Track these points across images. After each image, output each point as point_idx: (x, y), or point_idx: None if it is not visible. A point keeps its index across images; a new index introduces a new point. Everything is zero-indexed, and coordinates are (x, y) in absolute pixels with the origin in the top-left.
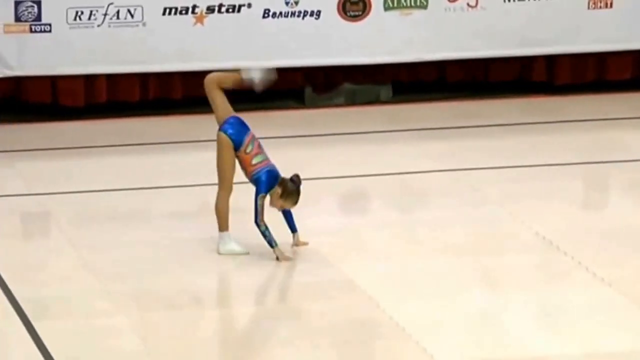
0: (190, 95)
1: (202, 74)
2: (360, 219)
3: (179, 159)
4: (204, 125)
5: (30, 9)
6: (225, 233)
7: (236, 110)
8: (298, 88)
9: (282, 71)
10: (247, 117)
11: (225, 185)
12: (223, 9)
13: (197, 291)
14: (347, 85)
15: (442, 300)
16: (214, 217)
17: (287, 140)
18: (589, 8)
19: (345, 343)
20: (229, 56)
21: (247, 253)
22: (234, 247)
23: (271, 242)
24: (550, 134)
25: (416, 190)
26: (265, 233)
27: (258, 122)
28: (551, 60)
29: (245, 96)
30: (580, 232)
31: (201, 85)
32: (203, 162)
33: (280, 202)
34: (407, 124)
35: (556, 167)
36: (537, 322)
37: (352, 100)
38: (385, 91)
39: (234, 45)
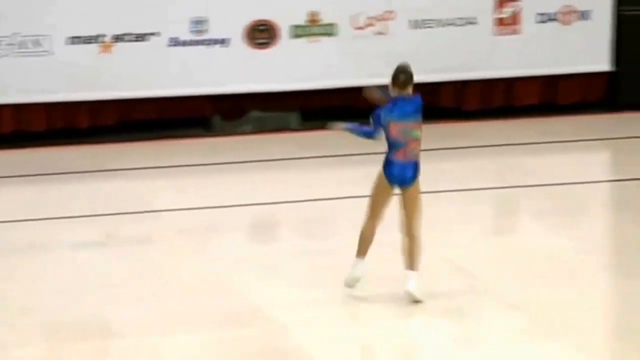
0: (96, 124)
1: (110, 103)
2: (271, 246)
3: (85, 189)
4: (111, 155)
5: None
6: (356, 259)
7: (145, 139)
8: (206, 116)
9: (189, 99)
10: (155, 146)
11: (369, 212)
12: (130, 38)
13: (107, 321)
14: (255, 113)
15: (355, 328)
16: (120, 246)
17: (195, 169)
18: (496, 35)
19: None
20: (136, 85)
21: (354, 283)
22: (353, 271)
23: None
24: (459, 159)
25: (326, 216)
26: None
27: (166, 150)
28: (460, 86)
29: (152, 125)
30: (490, 257)
31: (107, 114)
32: (110, 191)
33: (397, 90)
34: (316, 151)
35: (465, 192)
36: (449, 348)
37: (261, 128)
38: (294, 118)
39: (141, 74)
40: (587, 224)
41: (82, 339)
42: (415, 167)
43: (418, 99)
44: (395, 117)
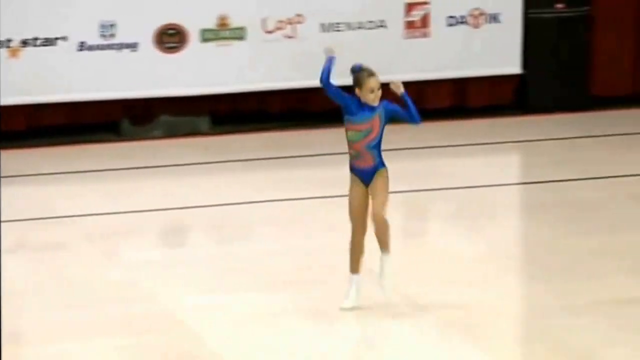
0: (5, 129)
1: (19, 109)
2: (182, 251)
3: None
4: (20, 160)
5: None
6: (350, 276)
7: (54, 144)
8: (115, 120)
9: (99, 104)
10: (65, 151)
11: (350, 222)
12: (38, 42)
13: (18, 329)
14: (165, 117)
15: (267, 333)
16: (30, 253)
17: (104, 174)
18: (406, 38)
19: None
20: (45, 90)
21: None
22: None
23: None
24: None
25: (238, 221)
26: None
27: (75, 155)
28: None
29: (61, 130)
30: (400, 259)
31: (16, 119)
32: (19, 197)
33: (365, 93)
34: (227, 155)
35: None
36: (358, 351)
37: (171, 132)
38: (204, 123)
39: (49, 79)
40: (497, 227)
41: None
42: None
43: None
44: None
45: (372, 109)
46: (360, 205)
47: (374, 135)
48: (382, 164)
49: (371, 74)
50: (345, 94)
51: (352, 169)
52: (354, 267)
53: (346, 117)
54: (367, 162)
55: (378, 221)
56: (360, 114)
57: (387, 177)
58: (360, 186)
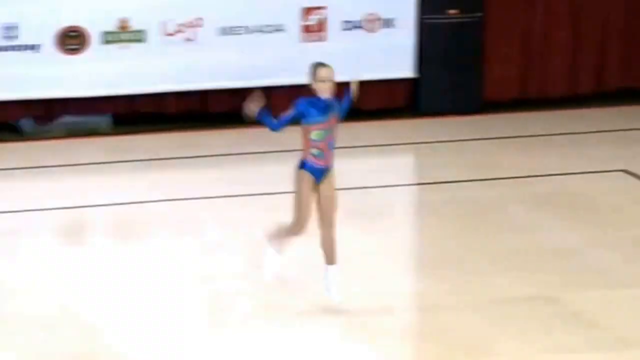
0: None
1: None
2: (82, 249)
3: None
4: None
5: None
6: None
7: None
8: (17, 120)
9: (1, 104)
10: None
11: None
12: None
13: None
14: (66, 118)
15: (165, 330)
16: None
17: (5, 173)
18: (303, 41)
19: None
20: None
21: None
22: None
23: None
24: (268, 163)
25: (138, 220)
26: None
27: None
28: (268, 91)
29: None
30: (296, 259)
31: None
32: None
33: (316, 83)
34: (127, 155)
35: (265, 196)
36: (261, 352)
37: (72, 133)
38: (105, 123)
39: None
40: (392, 226)
41: None
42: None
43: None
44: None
45: (330, 107)
46: (311, 203)
47: (334, 133)
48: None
49: (322, 64)
50: (293, 111)
51: (306, 166)
52: (277, 240)
53: (305, 121)
54: (327, 161)
55: (330, 236)
56: (321, 113)
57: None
58: (310, 182)
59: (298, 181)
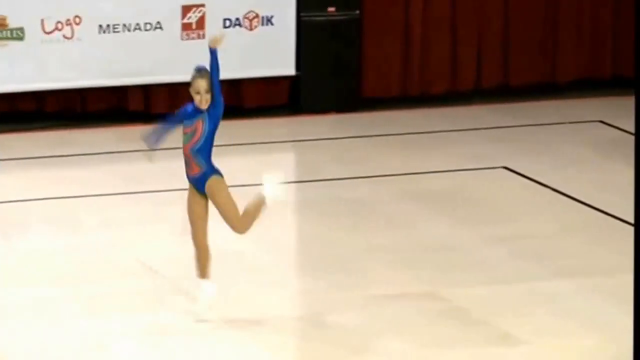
0: None
1: None
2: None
3: None
4: None
5: None
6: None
7: None
8: None
9: None
10: None
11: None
12: None
13: None
14: None
15: (44, 328)
16: None
17: None
18: (183, 39)
19: None
20: None
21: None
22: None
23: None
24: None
25: (17, 219)
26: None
27: None
28: (147, 90)
29: None
30: (182, 257)
31: None
32: None
33: (192, 93)
34: (6, 154)
35: (156, 194)
36: (141, 344)
37: None
38: None
39: None
40: (273, 223)
41: None
42: None
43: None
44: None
45: (199, 112)
46: (198, 214)
47: (196, 138)
48: (213, 171)
49: (200, 75)
50: (179, 111)
51: (187, 177)
52: (202, 272)
53: (173, 121)
54: (193, 170)
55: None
56: (190, 117)
57: (221, 184)
58: (195, 195)
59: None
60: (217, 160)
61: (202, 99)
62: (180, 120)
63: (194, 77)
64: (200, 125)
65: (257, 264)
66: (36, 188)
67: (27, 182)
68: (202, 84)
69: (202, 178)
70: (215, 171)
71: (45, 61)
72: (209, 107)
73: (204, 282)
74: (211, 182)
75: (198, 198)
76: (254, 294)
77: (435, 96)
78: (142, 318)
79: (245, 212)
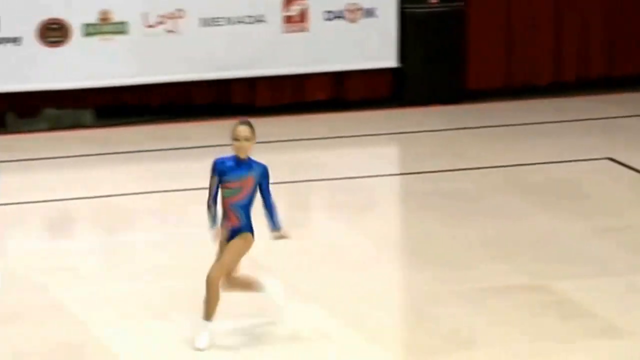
0: None
1: None
2: (68, 242)
3: None
4: None
5: None
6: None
7: None
8: (0, 113)
9: None
10: None
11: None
12: None
13: None
14: (49, 110)
15: (152, 322)
16: None
17: None
18: (284, 32)
19: None
20: None
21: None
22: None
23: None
24: (252, 155)
25: (122, 212)
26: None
27: None
28: (251, 83)
29: None
30: (284, 251)
31: None
32: None
33: (232, 141)
34: (110, 148)
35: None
36: (244, 342)
37: (55, 125)
38: (88, 116)
39: None
40: (377, 217)
41: None
42: None
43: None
44: None
45: (246, 167)
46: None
47: (243, 194)
48: (248, 228)
49: (242, 122)
50: (215, 169)
51: (222, 225)
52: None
53: (222, 179)
54: (232, 221)
55: (206, 281)
56: (233, 172)
57: (247, 241)
58: (225, 243)
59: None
60: (319, 153)
61: (240, 146)
62: (220, 178)
63: (234, 126)
64: (250, 184)
65: (361, 257)
66: (140, 182)
67: (131, 175)
68: (241, 131)
69: (238, 230)
70: (251, 229)
71: (149, 55)
72: (258, 164)
73: (267, 282)
74: (243, 236)
75: (226, 245)
76: (358, 287)
77: (539, 87)
78: (243, 312)
79: (237, 278)
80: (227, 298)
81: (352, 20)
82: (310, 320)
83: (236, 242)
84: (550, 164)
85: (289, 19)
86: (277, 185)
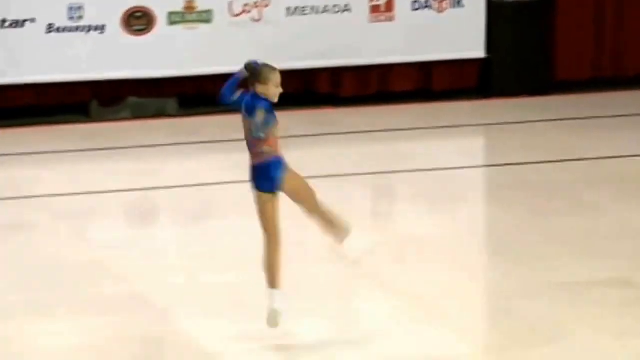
0: None
1: None
2: (151, 232)
3: None
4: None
5: None
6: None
7: (22, 125)
8: (84, 102)
9: (67, 85)
10: (32, 132)
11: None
12: (7, 24)
13: None
14: (133, 99)
15: (235, 314)
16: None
17: (72, 155)
18: (370, 22)
19: (134, 358)
20: (14, 71)
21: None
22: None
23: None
24: (336, 146)
25: (204, 202)
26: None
27: (43, 136)
28: (335, 73)
29: (29, 111)
30: (369, 241)
31: None
32: None
33: (271, 88)
34: (193, 137)
35: (342, 177)
36: (328, 333)
37: (139, 114)
38: (172, 104)
39: (19, 60)
40: (461, 208)
41: None
42: (265, 171)
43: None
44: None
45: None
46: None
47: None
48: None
49: (274, 68)
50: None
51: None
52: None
53: (273, 115)
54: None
55: (311, 216)
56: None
57: (294, 176)
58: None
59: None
60: (405, 144)
61: (279, 92)
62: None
63: (270, 72)
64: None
65: (445, 249)
66: (223, 172)
67: (214, 165)
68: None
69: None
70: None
71: (233, 44)
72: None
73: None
74: (289, 177)
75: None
76: (441, 279)
77: (628, 78)
78: (332, 304)
79: (325, 212)
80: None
81: (440, 10)
82: (392, 312)
83: (293, 186)
84: (638, 157)
85: (375, 9)
86: (361, 176)
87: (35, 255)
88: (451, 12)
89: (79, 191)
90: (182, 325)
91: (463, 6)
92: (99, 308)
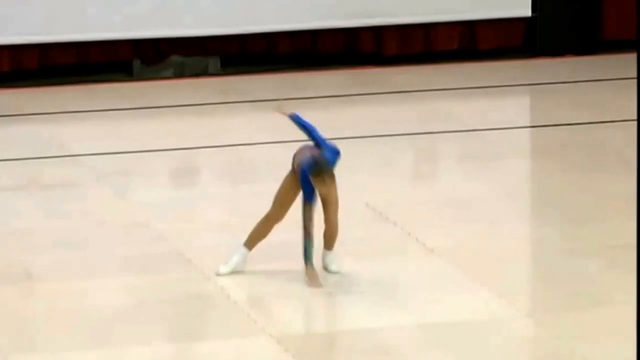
0: (17, 68)
1: (31, 48)
2: (192, 191)
3: (5, 133)
4: (31, 99)
5: None
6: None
7: (65, 83)
8: (126, 60)
9: (109, 44)
10: (75, 90)
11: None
12: None
13: (29, 265)
14: (175, 58)
15: (272, 273)
16: (40, 191)
17: (115, 113)
18: None
19: (178, 316)
20: (56, 29)
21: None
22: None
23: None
24: (379, 105)
25: (249, 162)
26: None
27: (86, 95)
28: (378, 32)
29: (72, 69)
30: (411, 202)
31: (28, 58)
32: (30, 136)
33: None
34: (236, 96)
35: (385, 138)
36: (369, 295)
37: (181, 73)
38: (214, 63)
39: (60, 18)
40: (506, 169)
41: (3, 283)
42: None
43: None
44: None
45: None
46: None
47: None
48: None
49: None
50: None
51: None
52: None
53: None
54: None
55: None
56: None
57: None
58: None
59: None
60: (449, 104)
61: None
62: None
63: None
64: None
65: (490, 210)
66: (266, 131)
67: (255, 125)
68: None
69: None
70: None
71: (276, 2)
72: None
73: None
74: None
75: None
76: (486, 240)
77: None
78: (372, 266)
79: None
80: None
81: None
82: (436, 273)
83: (329, 192)
84: None
85: None
86: (405, 136)
87: (79, 213)
88: None
89: (120, 150)
90: (225, 283)
91: None
92: (143, 267)
